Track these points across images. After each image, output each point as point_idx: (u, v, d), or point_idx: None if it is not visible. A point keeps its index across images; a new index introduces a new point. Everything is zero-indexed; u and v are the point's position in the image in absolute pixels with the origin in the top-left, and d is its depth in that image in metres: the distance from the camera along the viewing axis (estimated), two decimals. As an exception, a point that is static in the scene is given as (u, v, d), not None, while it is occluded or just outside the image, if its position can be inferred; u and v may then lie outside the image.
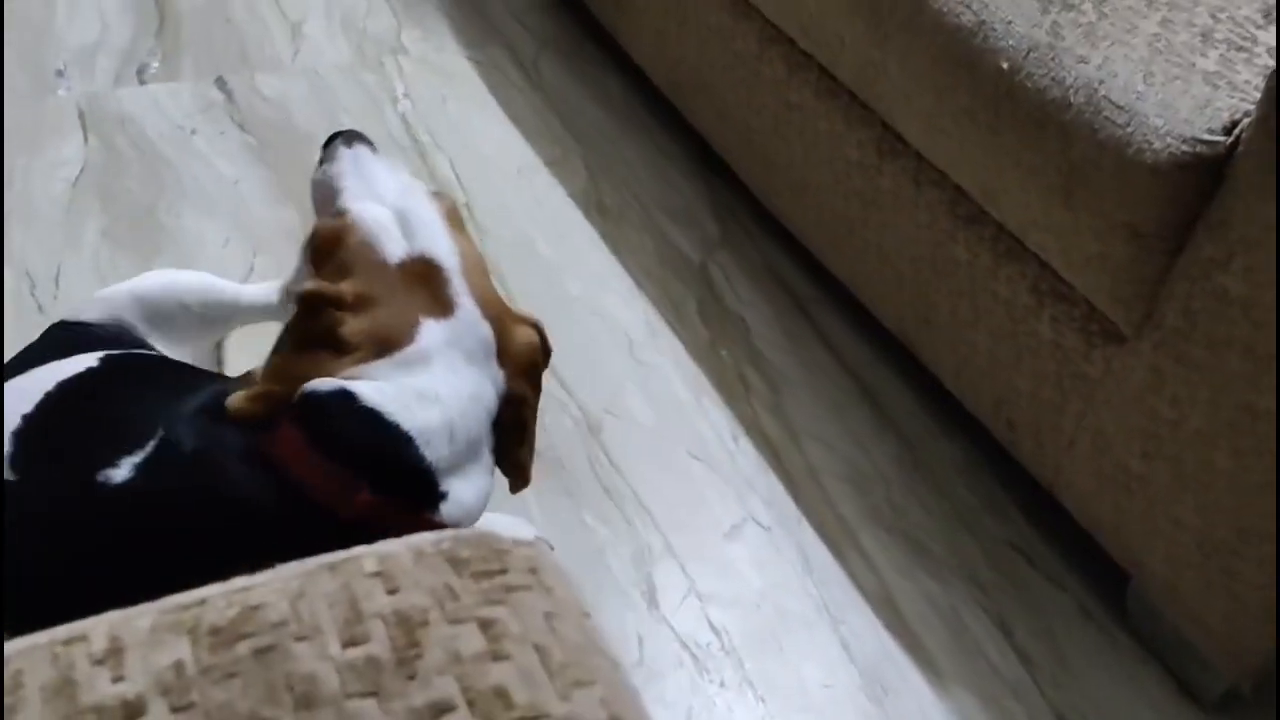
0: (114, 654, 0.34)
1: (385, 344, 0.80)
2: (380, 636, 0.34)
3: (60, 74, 1.75)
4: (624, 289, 1.54)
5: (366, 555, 0.37)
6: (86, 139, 1.63)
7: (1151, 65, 1.03)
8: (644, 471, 1.31)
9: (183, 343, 1.10)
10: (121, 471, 0.79)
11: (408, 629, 0.34)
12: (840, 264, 1.48)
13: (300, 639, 0.34)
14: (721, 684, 1.12)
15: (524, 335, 0.88)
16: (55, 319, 1.36)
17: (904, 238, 1.35)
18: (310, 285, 0.82)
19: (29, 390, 0.89)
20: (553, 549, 1.11)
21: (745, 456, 1.35)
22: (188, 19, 1.90)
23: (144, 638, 0.34)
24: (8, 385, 0.90)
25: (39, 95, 1.70)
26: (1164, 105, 1.01)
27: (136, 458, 0.80)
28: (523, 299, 1.50)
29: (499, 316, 0.87)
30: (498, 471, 0.89)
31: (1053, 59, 1.09)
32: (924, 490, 1.34)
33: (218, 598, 0.36)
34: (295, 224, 1.55)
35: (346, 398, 0.77)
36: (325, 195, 0.95)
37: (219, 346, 1.25)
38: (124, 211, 1.53)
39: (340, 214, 0.89)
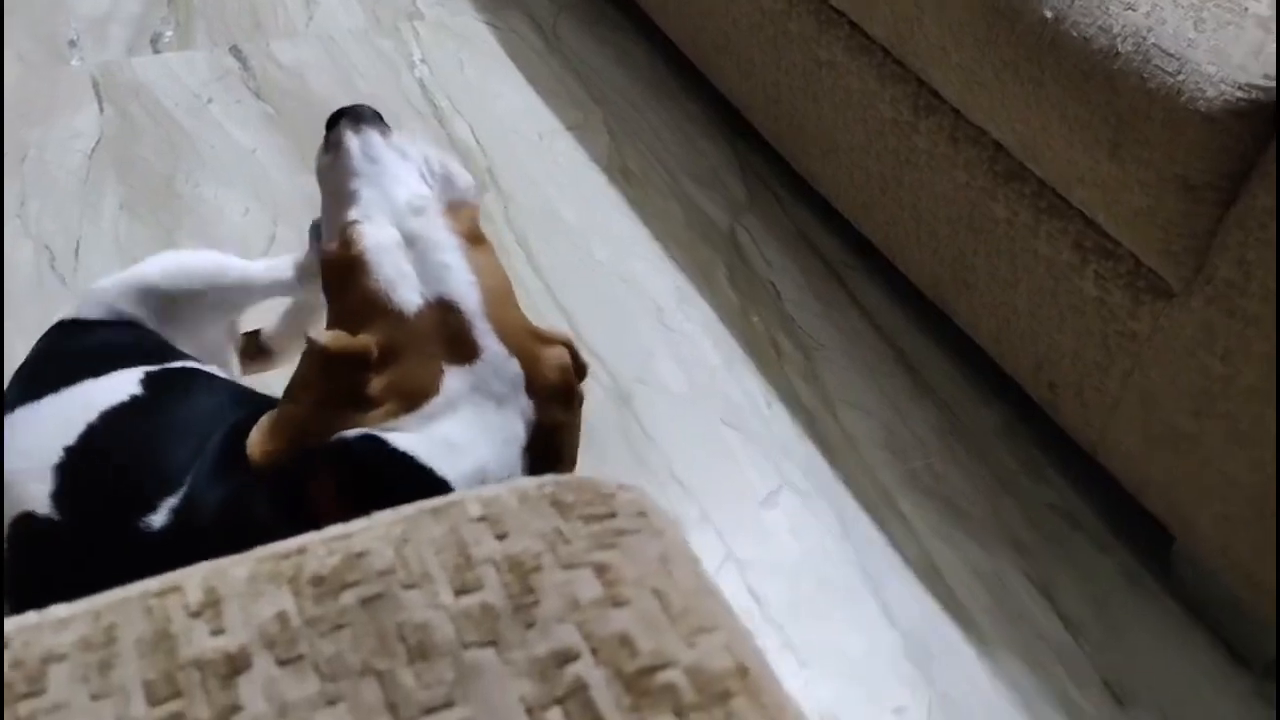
0: (211, 605, 0.32)
1: (410, 398, 0.77)
2: (493, 583, 0.32)
3: (73, 44, 1.72)
4: (651, 255, 1.52)
5: (470, 499, 0.35)
6: (101, 109, 1.61)
7: (1202, 11, 1.00)
8: (677, 440, 1.29)
9: (197, 330, 1.05)
10: (159, 517, 0.79)
11: (521, 575, 0.32)
12: (873, 226, 1.45)
13: (409, 586, 0.32)
14: (763, 651, 1.10)
15: (554, 359, 0.83)
16: (76, 292, 1.34)
17: (940, 197, 1.32)
18: (329, 342, 0.78)
19: (71, 419, 0.86)
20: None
21: (780, 423, 1.33)
22: (199, -13, 1.87)
23: (242, 588, 0.32)
24: (43, 404, 0.88)
25: (52, 66, 1.67)
26: (1216, 51, 0.98)
27: (173, 500, 0.80)
28: (548, 266, 1.47)
29: (526, 347, 0.82)
30: None
31: (1099, 6, 1.05)
32: (963, 455, 1.32)
33: (317, 545, 0.33)
34: (314, 192, 1.52)
35: (379, 444, 0.74)
36: (333, 193, 0.89)
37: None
38: (141, 182, 1.50)
39: (349, 230, 0.84)
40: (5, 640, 0.29)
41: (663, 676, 0.30)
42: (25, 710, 0.27)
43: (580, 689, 0.30)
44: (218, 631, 0.30)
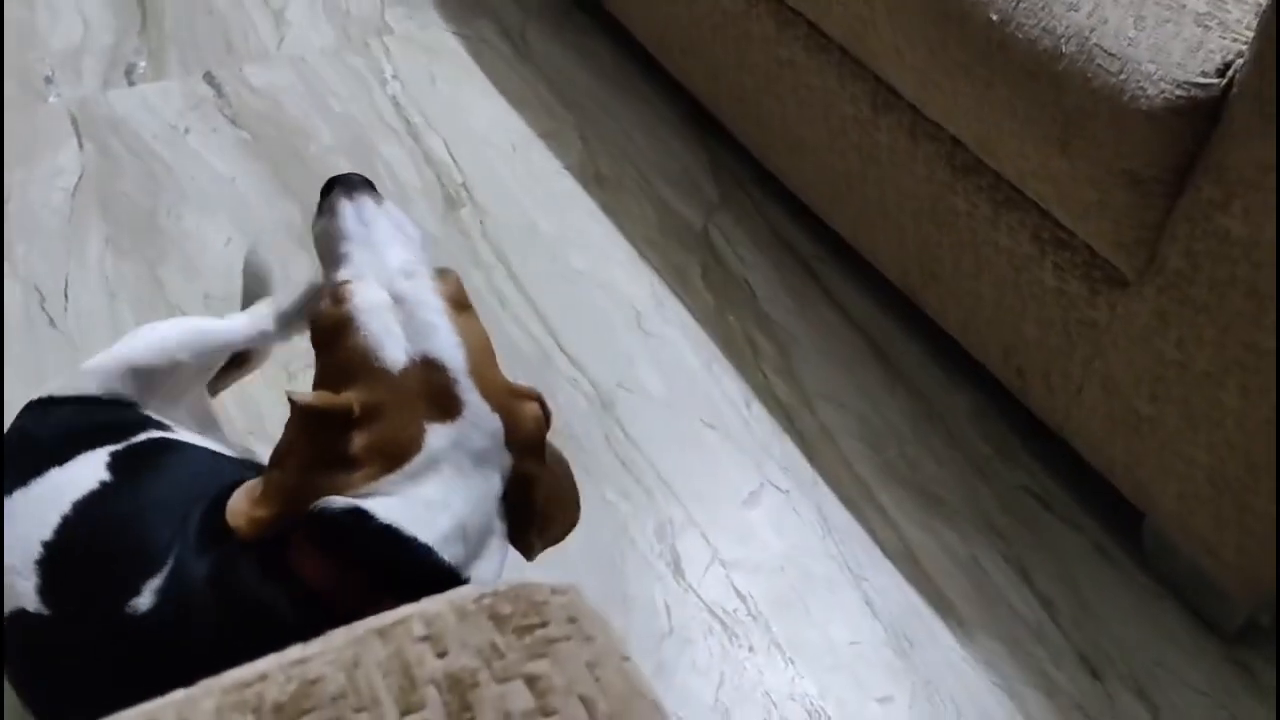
0: (184, 740, 0.36)
1: (393, 457, 0.79)
2: (435, 702, 0.36)
3: (49, 80, 1.74)
4: (627, 260, 1.55)
5: (414, 617, 0.39)
6: (81, 145, 1.63)
7: (1142, 10, 1.03)
8: (660, 444, 1.33)
9: (182, 394, 1.07)
10: (145, 599, 0.82)
11: (459, 692, 0.36)
12: (842, 220, 1.48)
13: (359, 710, 0.35)
14: (751, 648, 1.15)
15: (529, 414, 0.86)
16: (67, 333, 1.37)
17: (903, 191, 1.35)
18: (312, 400, 0.80)
19: (43, 514, 0.88)
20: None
21: (759, 422, 1.36)
22: (169, 12, 1.89)
23: (211, 719, 0.36)
24: (15, 499, 0.90)
25: (30, 103, 1.70)
26: (1156, 50, 1.00)
27: (156, 581, 0.82)
28: (527, 278, 1.50)
29: (505, 402, 0.86)
30: None
31: (1043, 8, 1.08)
32: (937, 442, 1.35)
33: (276, 673, 0.37)
34: (294, 217, 1.55)
35: (361, 516, 0.77)
36: (328, 254, 0.92)
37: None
38: (125, 217, 1.54)
39: (340, 289, 0.87)
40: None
41: (587, 783, 0.34)
42: None
43: (513, 801, 0.34)
44: (191, 763, 0.34)
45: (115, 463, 0.91)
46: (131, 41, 1.83)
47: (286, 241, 1.52)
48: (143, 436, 0.96)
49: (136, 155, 1.63)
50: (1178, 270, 1.05)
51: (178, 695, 0.37)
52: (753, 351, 1.45)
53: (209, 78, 1.77)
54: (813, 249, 1.58)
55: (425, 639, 0.38)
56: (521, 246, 1.55)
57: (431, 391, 0.82)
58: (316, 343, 0.87)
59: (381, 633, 0.38)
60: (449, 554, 0.79)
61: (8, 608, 0.86)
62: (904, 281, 1.41)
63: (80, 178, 1.59)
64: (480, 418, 0.82)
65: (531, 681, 0.36)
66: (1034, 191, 1.17)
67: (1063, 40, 1.07)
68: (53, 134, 1.65)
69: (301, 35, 1.87)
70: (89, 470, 0.91)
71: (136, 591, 0.82)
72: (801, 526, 1.26)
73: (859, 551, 1.25)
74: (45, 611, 0.84)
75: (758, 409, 1.38)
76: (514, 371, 1.37)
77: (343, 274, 0.88)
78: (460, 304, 0.88)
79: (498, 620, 0.38)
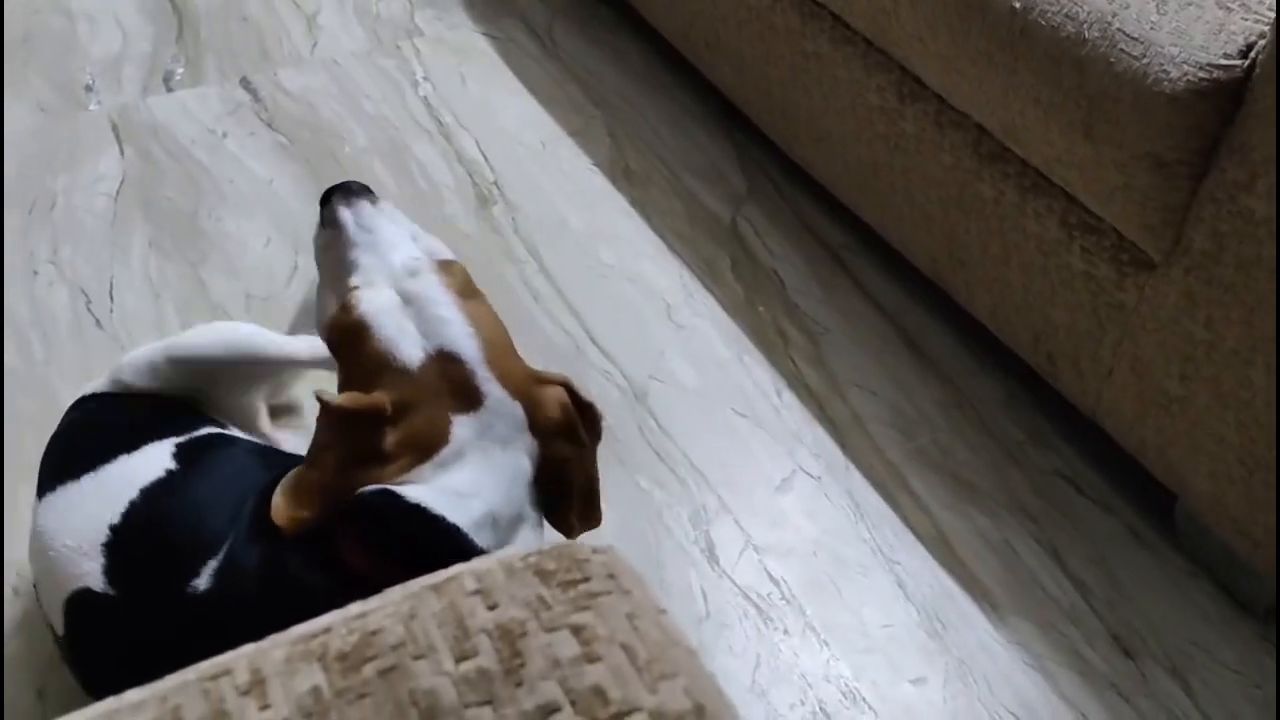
0: (257, 684, 0.38)
1: (423, 450, 0.82)
2: (487, 649, 0.38)
3: (89, 89, 1.79)
4: (657, 253, 1.57)
5: (465, 574, 0.41)
6: (122, 151, 1.68)
7: (1164, -7, 1.04)
8: (693, 433, 1.35)
9: (230, 397, 1.11)
10: (203, 580, 0.86)
11: (510, 640, 0.38)
12: (869, 210, 1.50)
13: (418, 657, 0.38)
14: (785, 631, 1.17)
15: (554, 398, 0.89)
16: (113, 334, 1.41)
17: (930, 179, 1.36)
18: (344, 402, 0.83)
19: (113, 497, 0.92)
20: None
21: (790, 410, 1.38)
22: (205, 20, 1.93)
23: (281, 667, 0.38)
24: (84, 482, 0.94)
25: (71, 111, 1.74)
26: (1178, 33, 1.01)
27: (214, 564, 0.86)
28: (559, 273, 1.53)
29: (526, 389, 0.88)
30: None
31: (1064, -5, 1.09)
32: (968, 428, 1.37)
33: (339, 625, 0.40)
34: (332, 217, 1.59)
35: (390, 497, 0.80)
36: (331, 265, 0.94)
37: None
38: (167, 220, 1.57)
39: (349, 296, 0.88)
40: (87, 726, 0.36)
41: (630, 721, 0.36)
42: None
43: (562, 737, 0.36)
44: (264, 707, 0.37)
45: (180, 453, 0.96)
46: (169, 49, 1.87)
47: (323, 241, 1.55)
48: (203, 431, 1.00)
49: (176, 160, 1.67)
50: (1204, 251, 1.06)
51: (248, 648, 0.39)
52: (783, 341, 1.46)
53: (245, 83, 1.81)
54: (841, 239, 1.59)
55: (476, 593, 0.40)
56: (553, 242, 1.57)
57: (452, 384, 0.84)
58: (336, 352, 0.89)
59: (436, 588, 0.41)
60: (481, 539, 0.81)
61: (72, 587, 0.89)
62: (933, 269, 1.42)
63: (122, 182, 1.63)
64: (501, 406, 0.85)
65: (577, 631, 0.38)
66: (1060, 177, 1.18)
67: (1085, 26, 1.08)
68: (94, 141, 1.69)
69: (333, 39, 1.90)
70: (156, 459, 0.95)
71: (196, 573, 0.86)
72: (833, 512, 1.28)
73: (891, 536, 1.26)
74: (110, 591, 0.88)
75: (789, 397, 1.40)
76: (547, 364, 1.40)
77: (351, 281, 0.90)
78: (468, 293, 0.91)
79: (543, 576, 0.41)
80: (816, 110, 1.51)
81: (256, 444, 1.02)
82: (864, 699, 1.12)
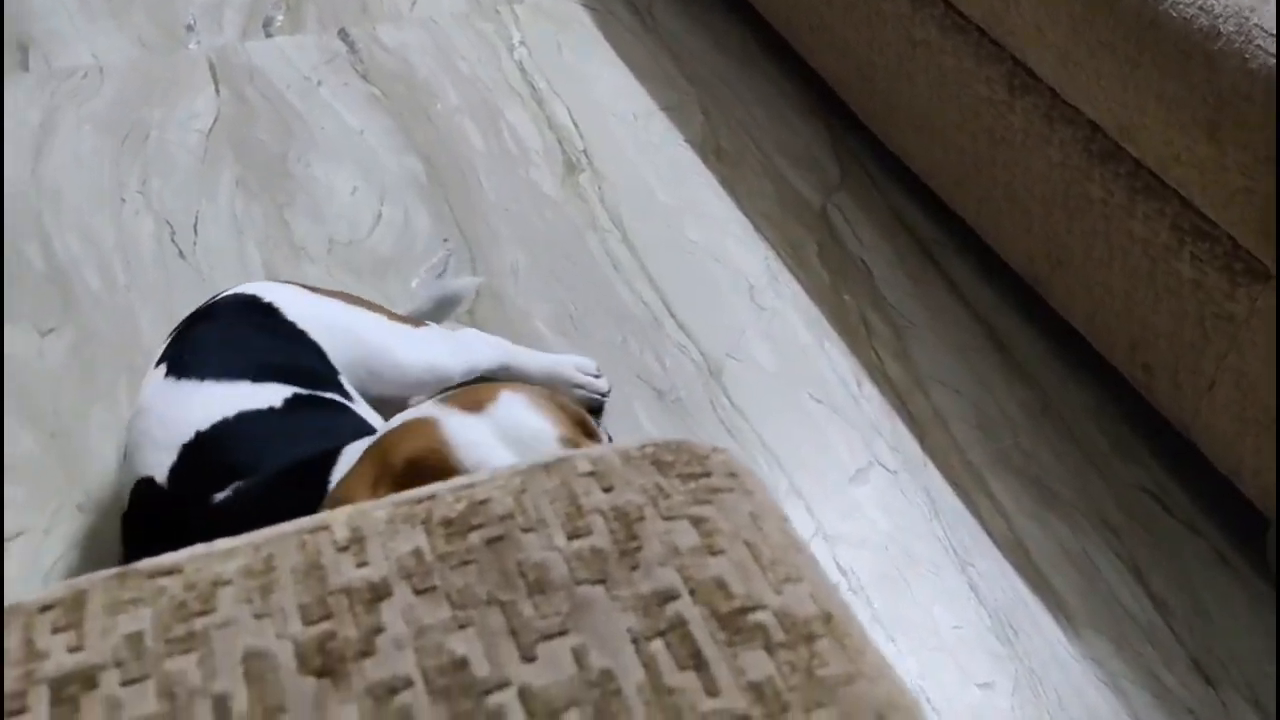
0: (356, 542, 0.36)
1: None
2: (601, 530, 0.35)
3: (190, 28, 1.80)
4: (743, 233, 1.54)
5: (579, 457, 0.39)
6: (218, 91, 1.68)
7: (1309, -11, 0.99)
8: (766, 414, 1.31)
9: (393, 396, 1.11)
10: (225, 493, 0.89)
11: (626, 523, 0.36)
12: (966, 205, 1.46)
13: (527, 530, 0.35)
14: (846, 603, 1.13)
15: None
16: (195, 266, 1.41)
17: (1034, 176, 1.32)
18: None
19: (214, 409, 0.94)
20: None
21: (869, 401, 1.34)
22: (308, -28, 1.94)
23: (382, 528, 0.36)
24: (204, 386, 0.96)
25: (171, 49, 1.75)
26: (1323, 31, 0.97)
27: (240, 483, 0.89)
28: (642, 245, 1.50)
29: None
30: None
31: (1201, -15, 1.05)
32: (1054, 434, 1.32)
33: (445, 493, 0.37)
34: (419, 171, 1.58)
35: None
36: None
37: None
38: (256, 160, 1.57)
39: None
40: (179, 565, 0.34)
41: (754, 617, 0.33)
42: (200, 625, 0.31)
43: (680, 624, 0.33)
44: (362, 564, 0.34)
45: (293, 399, 0.97)
46: (271, -4, 1.88)
47: (409, 194, 1.54)
48: (328, 394, 1.01)
49: (270, 103, 1.67)
50: (1329, 262, 1.01)
51: (349, 508, 0.37)
52: (866, 331, 1.42)
53: (343, 34, 1.81)
54: (934, 232, 1.55)
55: (590, 474, 0.38)
56: (638, 213, 1.55)
57: None
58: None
59: (547, 468, 0.38)
60: None
61: (142, 473, 0.93)
62: (1028, 269, 1.38)
63: (215, 121, 1.63)
64: None
65: (697, 522, 0.36)
66: (1175, 178, 1.13)
67: (1220, 19, 1.04)
68: (191, 79, 1.70)
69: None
70: (269, 396, 0.97)
71: (223, 488, 0.88)
72: (908, 507, 1.24)
73: (966, 537, 1.22)
74: (165, 487, 0.89)
75: (869, 388, 1.36)
76: (623, 333, 1.38)
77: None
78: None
79: (661, 466, 0.38)
80: (920, 99, 1.47)
81: (364, 421, 1.02)
82: (928, 698, 1.08)
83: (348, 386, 1.06)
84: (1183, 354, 1.18)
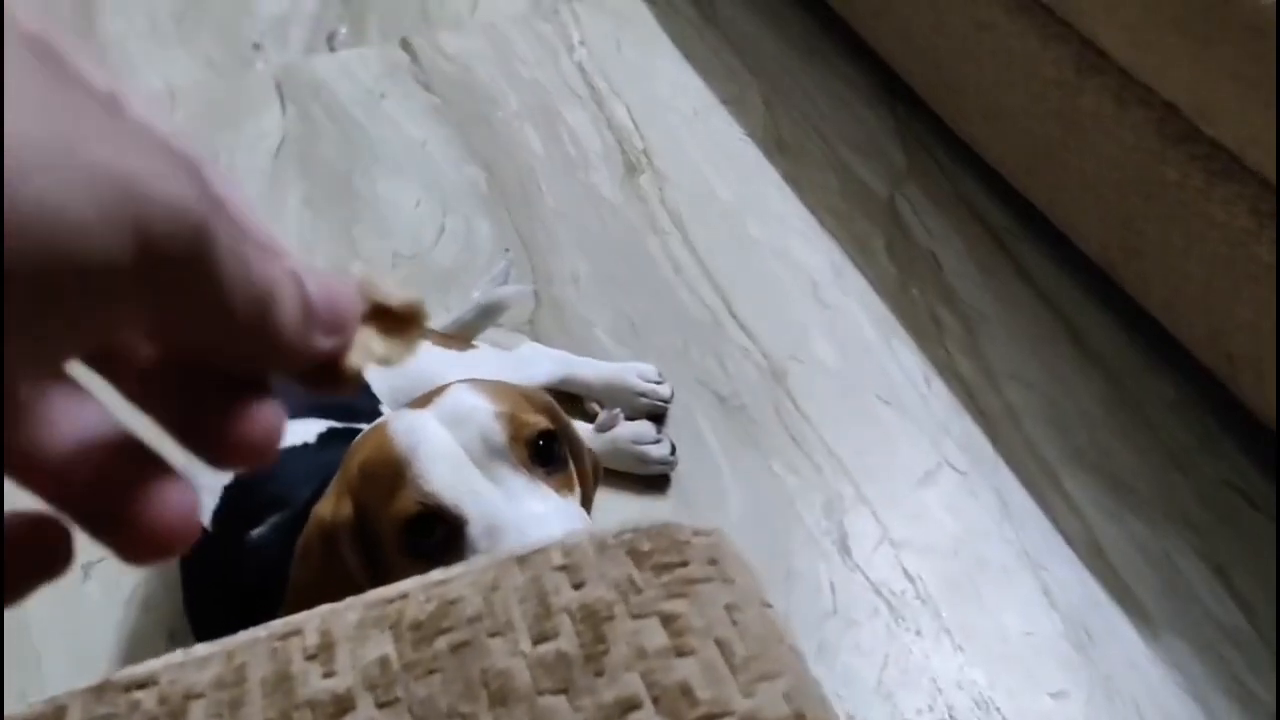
0: (325, 649, 0.36)
1: None
2: (568, 632, 0.35)
3: (257, 47, 1.83)
4: (807, 229, 1.51)
5: (554, 548, 0.38)
6: (284, 109, 1.71)
7: (1390, -42, 0.93)
8: (832, 418, 1.29)
9: None
10: (262, 529, 0.89)
11: (594, 624, 0.35)
12: (1038, 192, 1.41)
13: (494, 634, 0.35)
14: (918, 632, 1.11)
15: None
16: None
17: (1107, 161, 1.27)
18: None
19: None
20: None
21: (938, 399, 1.31)
22: (371, -19, 1.95)
23: (351, 632, 0.36)
24: None
25: (239, 70, 1.79)
26: (1406, 2, 0.91)
27: (277, 518, 0.89)
28: (703, 246, 1.49)
29: None
30: None
31: (1272, -41, 0.99)
32: (1132, 429, 1.27)
33: (417, 592, 0.37)
34: (479, 180, 1.59)
35: None
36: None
37: None
38: (322, 178, 1.60)
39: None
40: (154, 676, 0.34)
41: (718, 726, 0.32)
42: (169, 743, 0.32)
43: (640, 737, 0.32)
44: (329, 674, 0.34)
45: (326, 435, 0.98)
46: (334, 9, 1.90)
47: (471, 204, 1.55)
48: (360, 426, 1.01)
49: (334, 119, 1.69)
50: None
51: (323, 609, 0.37)
52: (936, 327, 1.39)
53: (405, 44, 1.82)
54: (1005, 221, 1.50)
55: (563, 568, 0.37)
56: (699, 213, 1.53)
57: None
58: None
59: (521, 560, 0.38)
60: None
61: None
62: (1103, 257, 1.33)
63: (282, 140, 1.66)
64: None
65: (668, 620, 0.35)
66: (1254, 160, 1.08)
67: (1295, -7, 0.98)
68: (259, 98, 1.73)
69: (493, 2, 1.90)
70: (304, 432, 0.97)
71: (260, 523, 0.89)
72: (979, 510, 1.21)
73: (1039, 539, 1.18)
74: (209, 529, 0.91)
75: (938, 386, 1.32)
76: (684, 338, 1.37)
77: None
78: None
79: (636, 556, 0.37)
80: (987, 84, 1.43)
81: None
82: (998, 709, 1.05)
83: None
84: (1266, 343, 1.13)
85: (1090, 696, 1.06)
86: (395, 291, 0.29)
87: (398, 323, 0.29)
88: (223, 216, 0.23)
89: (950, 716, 1.04)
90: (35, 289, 0.19)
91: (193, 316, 0.23)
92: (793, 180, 1.58)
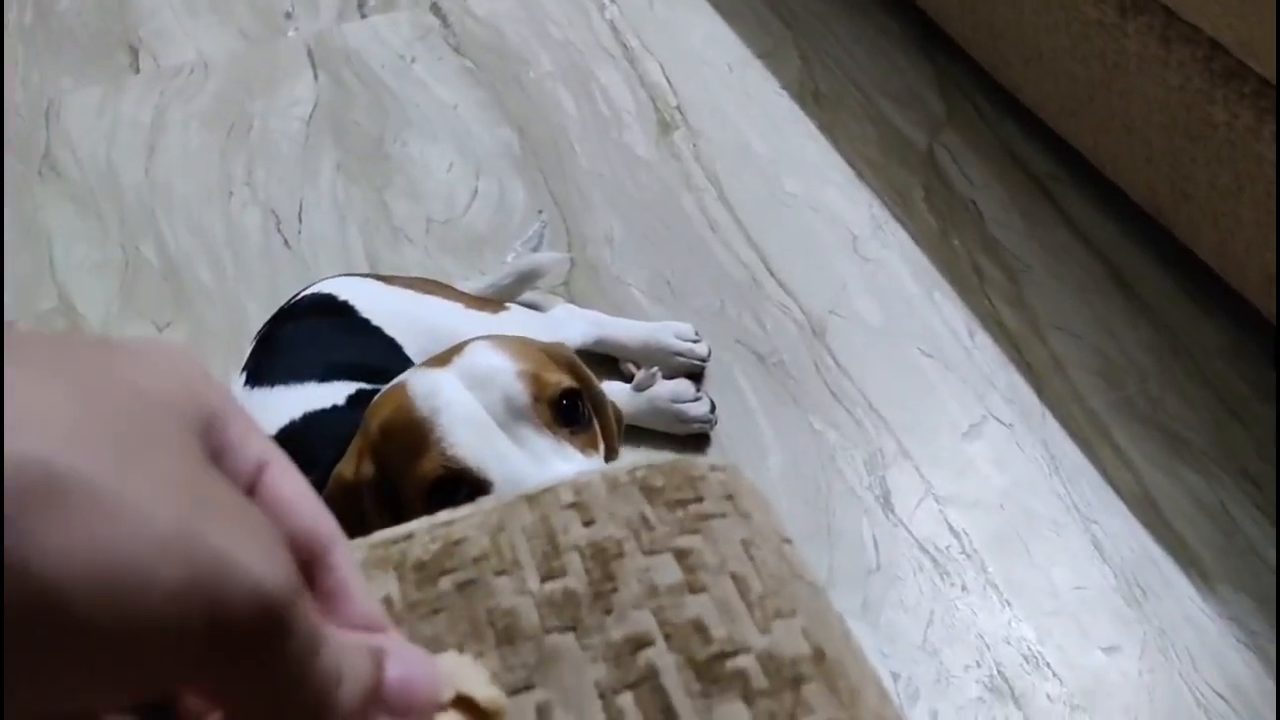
0: (327, 589, 0.35)
1: None
2: (577, 569, 0.34)
3: (289, 15, 1.82)
4: (845, 181, 1.48)
5: (564, 487, 0.37)
6: (316, 76, 1.70)
7: None
8: (873, 373, 1.27)
9: None
10: None
11: (603, 561, 0.34)
12: (1081, 136, 1.37)
13: (500, 573, 0.34)
14: (964, 588, 1.09)
15: None
16: (300, 254, 1.44)
17: (1153, 102, 1.22)
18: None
19: (284, 412, 0.95)
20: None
21: (982, 351, 1.28)
22: (400, -54, 1.94)
23: (355, 574, 0.35)
24: (275, 391, 0.97)
25: (271, 39, 1.78)
26: None
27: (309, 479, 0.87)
28: (739, 202, 1.46)
29: None
30: None
31: (1327, -120, 0.94)
32: (1184, 378, 1.23)
33: (422, 532, 0.36)
34: (512, 143, 1.57)
35: None
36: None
37: None
38: (354, 144, 1.59)
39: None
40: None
41: (734, 663, 0.31)
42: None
43: (651, 675, 0.31)
44: (331, 614, 0.34)
45: (356, 397, 0.97)
46: (364, -25, 1.89)
47: (504, 167, 1.54)
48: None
49: (366, 85, 1.68)
50: None
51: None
52: (979, 278, 1.36)
53: (435, 8, 1.81)
54: (1048, 167, 1.46)
55: (573, 506, 0.36)
56: (734, 169, 1.51)
57: None
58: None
59: (530, 499, 0.37)
60: None
61: None
62: (1151, 202, 1.29)
63: (315, 107, 1.65)
64: None
65: (681, 555, 0.34)
66: (1309, 95, 1.04)
67: (1352, -85, 0.93)
68: (291, 66, 1.72)
69: (523, -37, 1.88)
70: (334, 394, 0.96)
71: None
72: (1025, 463, 1.18)
73: (1089, 492, 1.15)
74: None
75: (982, 338, 1.29)
76: (721, 296, 1.35)
77: None
78: None
79: (649, 492, 0.36)
80: (1027, 27, 1.38)
81: None
82: (1048, 664, 1.03)
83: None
84: (1324, 286, 1.09)
85: (1144, 651, 1.04)
86: (482, 688, 0.30)
87: (479, 715, 0.30)
88: (306, 599, 0.25)
89: (998, 672, 1.02)
90: (112, 641, 0.21)
91: (252, 691, 0.25)
92: (829, 132, 1.55)
